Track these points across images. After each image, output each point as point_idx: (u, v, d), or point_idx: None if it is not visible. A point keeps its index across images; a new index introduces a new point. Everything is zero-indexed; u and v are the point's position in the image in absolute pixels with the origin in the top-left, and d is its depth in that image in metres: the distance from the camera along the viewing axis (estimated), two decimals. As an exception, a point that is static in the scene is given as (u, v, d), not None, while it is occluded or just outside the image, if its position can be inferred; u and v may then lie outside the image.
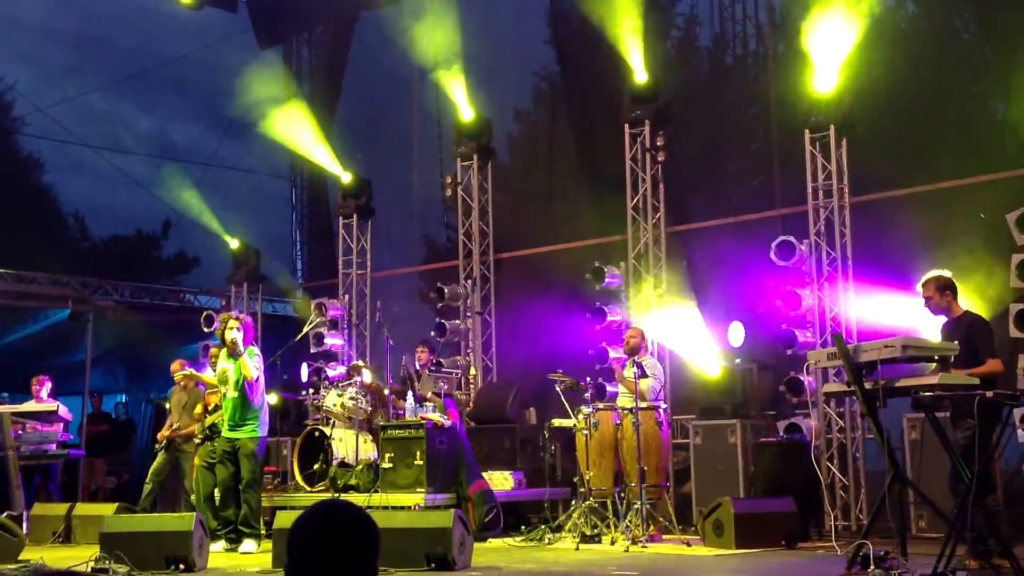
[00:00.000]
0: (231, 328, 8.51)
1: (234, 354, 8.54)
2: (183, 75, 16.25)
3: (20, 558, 7.67)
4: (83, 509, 9.84)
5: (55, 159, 16.30)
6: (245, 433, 8.56)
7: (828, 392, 7.76)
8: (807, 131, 10.40)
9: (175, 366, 10.62)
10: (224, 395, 8.71)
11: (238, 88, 13.35)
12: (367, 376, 10.68)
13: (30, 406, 10.79)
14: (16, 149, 16.21)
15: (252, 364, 8.47)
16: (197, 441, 9.38)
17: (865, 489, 9.75)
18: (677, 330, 10.93)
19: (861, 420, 9.49)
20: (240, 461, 8.53)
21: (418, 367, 10.91)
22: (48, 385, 11.22)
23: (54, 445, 10.71)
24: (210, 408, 9.42)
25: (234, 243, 14.81)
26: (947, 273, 6.80)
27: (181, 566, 7.04)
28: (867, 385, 6.07)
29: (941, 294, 6.68)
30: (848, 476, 9.88)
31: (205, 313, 14.05)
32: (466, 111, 13.36)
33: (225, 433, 8.66)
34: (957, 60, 10.87)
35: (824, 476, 9.50)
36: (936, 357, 6.06)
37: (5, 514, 8.86)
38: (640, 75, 11.63)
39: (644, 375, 8.91)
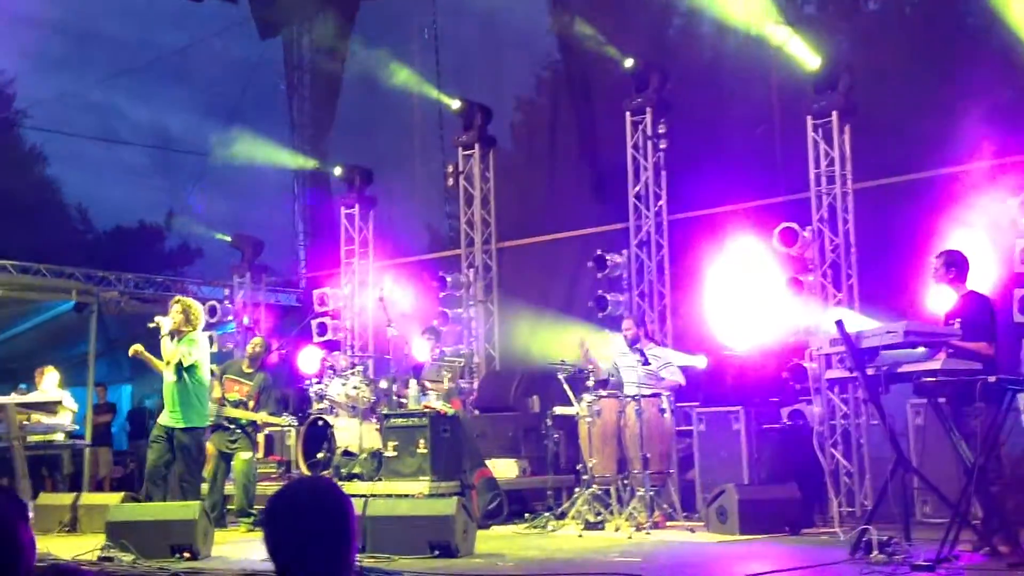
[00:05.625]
0: (171, 312, 8.52)
1: (175, 337, 8.52)
2: (185, 66, 16.24)
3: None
4: (89, 499, 9.83)
5: (57, 151, 16.30)
6: (178, 423, 8.49)
7: (831, 378, 7.76)
8: (809, 117, 10.37)
9: None
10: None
11: (240, 80, 13.33)
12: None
13: (35, 396, 10.82)
14: (18, 142, 16.20)
15: (185, 349, 8.40)
16: (209, 425, 9.43)
17: (869, 475, 9.74)
18: (681, 318, 10.92)
19: (864, 406, 9.48)
20: (176, 452, 8.49)
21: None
22: (55, 376, 11.22)
23: (61, 435, 10.73)
24: (223, 396, 9.45)
25: (230, 237, 14.84)
26: (962, 250, 6.78)
27: (186, 554, 7.07)
28: (869, 371, 6.06)
29: (946, 269, 6.68)
30: (852, 462, 9.87)
31: (208, 304, 14.06)
32: (469, 99, 13.33)
33: (161, 420, 8.61)
34: (959, 44, 10.82)
35: (828, 462, 9.50)
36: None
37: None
38: (641, 62, 11.59)
39: (647, 363, 8.92)
